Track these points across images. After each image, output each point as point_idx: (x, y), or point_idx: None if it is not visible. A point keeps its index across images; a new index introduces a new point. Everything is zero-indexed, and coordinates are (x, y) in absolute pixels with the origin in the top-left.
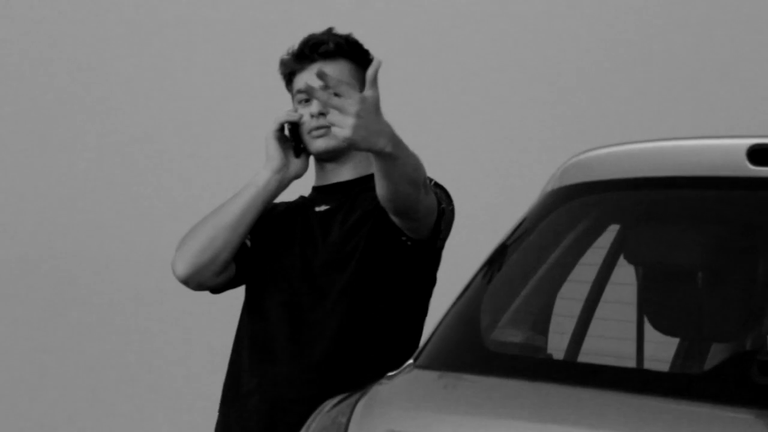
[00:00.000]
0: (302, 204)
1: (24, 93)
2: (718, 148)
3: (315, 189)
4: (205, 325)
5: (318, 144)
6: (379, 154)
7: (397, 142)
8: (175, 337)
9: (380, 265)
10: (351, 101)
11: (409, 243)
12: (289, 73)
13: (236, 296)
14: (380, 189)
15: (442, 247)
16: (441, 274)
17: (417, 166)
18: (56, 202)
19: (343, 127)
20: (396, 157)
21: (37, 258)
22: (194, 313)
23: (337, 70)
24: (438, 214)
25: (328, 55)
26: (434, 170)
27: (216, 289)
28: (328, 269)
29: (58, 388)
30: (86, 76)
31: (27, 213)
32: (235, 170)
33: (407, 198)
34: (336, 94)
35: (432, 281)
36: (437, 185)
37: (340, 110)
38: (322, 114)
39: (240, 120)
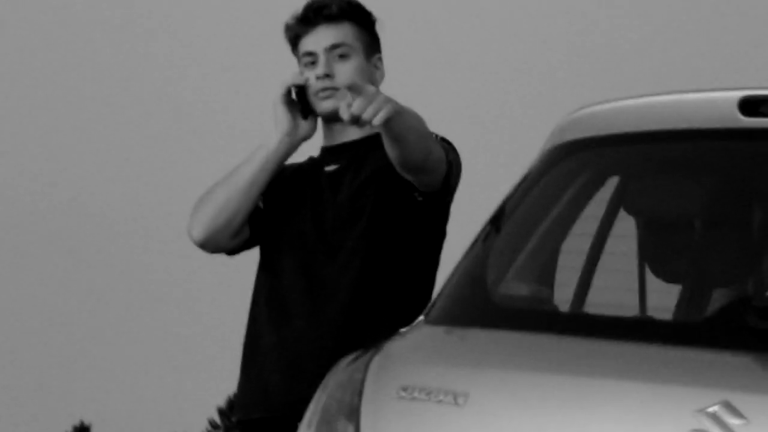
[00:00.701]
0: (312, 164)
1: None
2: (711, 101)
3: (324, 149)
4: (225, 286)
5: (325, 105)
6: (389, 121)
7: (396, 104)
8: (195, 299)
9: (391, 221)
10: (371, 91)
11: (420, 198)
12: (294, 37)
13: (254, 257)
14: (394, 151)
15: (450, 201)
16: (450, 228)
17: (419, 117)
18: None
19: (379, 111)
20: (401, 113)
21: (41, 240)
22: (214, 274)
23: (341, 32)
24: (447, 165)
25: (332, 18)
26: (443, 127)
27: (231, 251)
28: (339, 227)
29: (72, 349)
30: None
31: (29, 199)
32: (242, 137)
33: (421, 150)
34: (341, 56)
35: (442, 235)
36: (443, 139)
37: (369, 101)
38: (327, 76)
39: (252, 85)
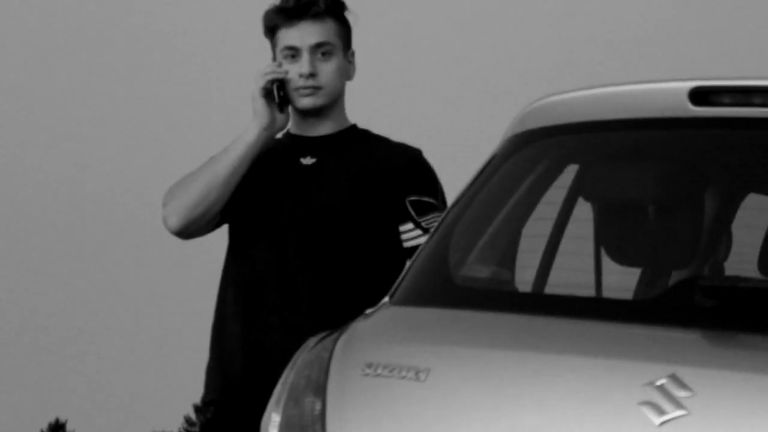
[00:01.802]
0: (283, 152)
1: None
2: (663, 91)
3: (294, 137)
4: (201, 279)
5: (305, 102)
6: None
7: None
8: (167, 285)
9: (365, 211)
10: None
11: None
12: (273, 26)
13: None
14: None
15: None
16: None
17: None
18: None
19: None
20: None
21: (34, 201)
22: (188, 268)
23: (324, 29)
24: None
25: (318, 15)
26: (415, 117)
27: (202, 234)
28: (315, 217)
29: (48, 346)
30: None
31: (27, 152)
32: (219, 124)
33: None
34: (324, 54)
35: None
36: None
37: None
38: (311, 75)
39: (230, 78)
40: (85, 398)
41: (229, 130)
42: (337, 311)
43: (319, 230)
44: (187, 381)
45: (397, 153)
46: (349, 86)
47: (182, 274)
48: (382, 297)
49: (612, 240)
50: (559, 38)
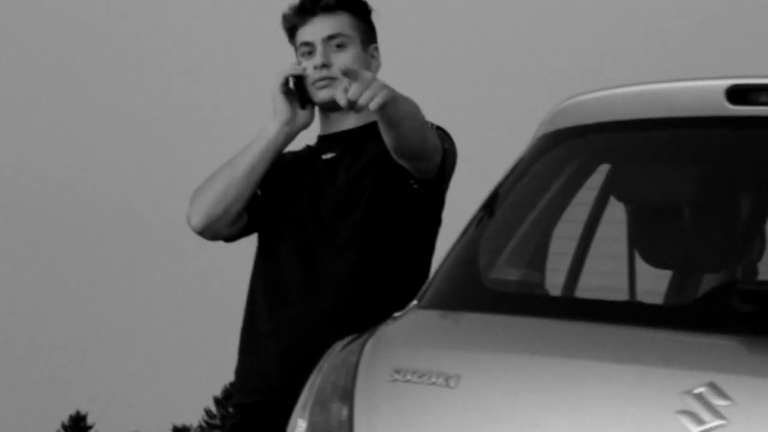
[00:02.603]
0: (309, 153)
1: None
2: (699, 90)
3: (320, 138)
4: (223, 273)
5: (322, 94)
6: (385, 106)
7: (392, 90)
8: (194, 287)
9: (387, 208)
10: (368, 76)
11: (415, 186)
12: (291, 27)
13: (252, 243)
14: (390, 138)
15: (446, 189)
16: (446, 215)
17: (415, 104)
18: (64, 153)
19: (375, 96)
20: (397, 99)
21: (43, 213)
22: (213, 262)
23: (338, 22)
24: (442, 153)
25: (329, 9)
26: (439, 115)
27: (229, 238)
28: (336, 214)
29: (69, 339)
30: (91, 42)
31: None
32: (244, 127)
33: (416, 137)
34: (338, 46)
35: (437, 222)
36: (438, 128)
37: (366, 86)
38: (324, 66)
39: (248, 77)
40: (104, 391)
41: (253, 131)
42: (361, 308)
43: (335, 225)
44: (206, 374)
45: None
46: None
47: (202, 269)
48: (405, 293)
49: (646, 242)
50: (596, 32)
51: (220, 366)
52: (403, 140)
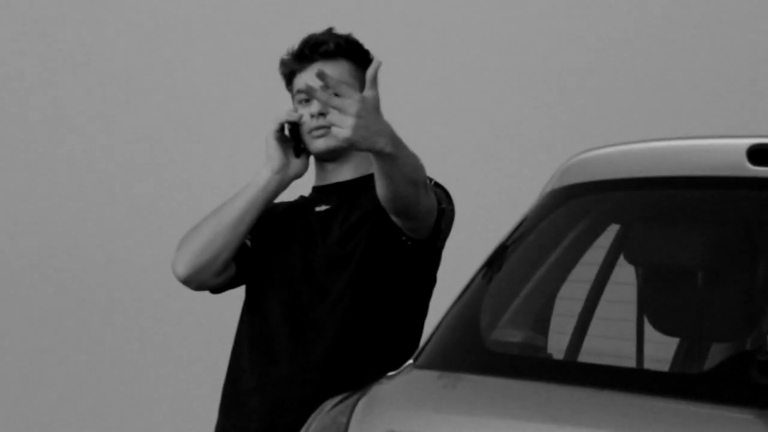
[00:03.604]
0: (302, 204)
1: (25, 92)
2: (718, 148)
3: (315, 189)
4: (205, 326)
5: (318, 144)
6: (379, 154)
7: (396, 141)
8: (174, 338)
9: (380, 264)
10: (351, 101)
11: (409, 243)
12: (289, 73)
13: (237, 296)
14: (380, 189)
15: (442, 247)
16: (441, 274)
17: (417, 166)
18: (57, 202)
19: (343, 127)
20: (396, 156)
21: (38, 257)
22: (194, 313)
23: (337, 70)
24: (438, 213)
25: (328, 55)
26: (434, 170)
27: (216, 289)
28: (328, 269)
29: (59, 388)
30: (86, 76)
31: (28, 212)
32: (235, 170)
33: (407, 197)
34: (336, 94)
35: (432, 281)
36: (437, 185)
37: (340, 110)
38: (322, 114)
39: (240, 120)
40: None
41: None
42: (350, 367)
43: (326, 280)
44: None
45: None
46: None
47: (181, 320)
48: (396, 352)
49: (656, 307)
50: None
51: (198, 426)
52: (394, 194)
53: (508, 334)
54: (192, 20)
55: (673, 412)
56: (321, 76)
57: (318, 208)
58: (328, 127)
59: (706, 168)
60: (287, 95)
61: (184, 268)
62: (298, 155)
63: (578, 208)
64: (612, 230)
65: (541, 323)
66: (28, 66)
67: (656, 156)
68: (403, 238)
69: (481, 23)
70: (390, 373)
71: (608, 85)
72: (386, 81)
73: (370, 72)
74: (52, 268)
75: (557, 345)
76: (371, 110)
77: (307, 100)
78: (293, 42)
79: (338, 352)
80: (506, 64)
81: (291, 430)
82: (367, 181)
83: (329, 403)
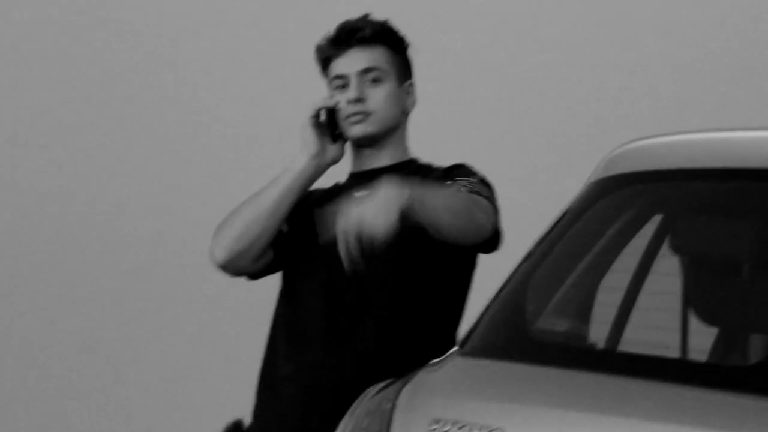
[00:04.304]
0: (340, 190)
1: (33, 87)
2: (764, 140)
3: (352, 175)
4: (241, 311)
5: (355, 130)
6: (409, 212)
7: (413, 192)
8: (211, 321)
9: (420, 251)
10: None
11: None
12: (325, 59)
13: (273, 282)
14: (430, 228)
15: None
16: (483, 260)
17: (446, 197)
18: (70, 196)
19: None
20: (420, 201)
21: (38, 257)
22: (229, 300)
23: (374, 56)
24: (492, 231)
25: (365, 41)
26: (478, 163)
27: (254, 275)
28: (367, 255)
29: (59, 387)
30: (99, 73)
31: (28, 212)
32: (267, 161)
33: (457, 229)
34: (373, 80)
35: (473, 265)
36: (481, 181)
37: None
38: (359, 100)
39: (271, 111)
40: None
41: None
42: (387, 355)
43: (366, 266)
44: (221, 415)
45: (436, 174)
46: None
47: (221, 304)
48: (435, 340)
49: (702, 298)
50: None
51: (236, 407)
52: (443, 232)
53: (553, 323)
54: (198, 15)
55: (716, 404)
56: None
57: (355, 195)
58: (365, 113)
59: (751, 160)
60: (297, 93)
61: (222, 254)
62: (334, 141)
63: (623, 198)
64: (656, 221)
65: (586, 313)
66: (28, 65)
67: (702, 147)
68: None
69: (508, 17)
70: (434, 360)
71: (650, 78)
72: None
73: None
74: (52, 268)
75: (601, 334)
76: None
77: (344, 86)
78: (303, 39)
79: (376, 339)
80: (545, 57)
81: (326, 415)
82: (405, 166)
83: (373, 389)
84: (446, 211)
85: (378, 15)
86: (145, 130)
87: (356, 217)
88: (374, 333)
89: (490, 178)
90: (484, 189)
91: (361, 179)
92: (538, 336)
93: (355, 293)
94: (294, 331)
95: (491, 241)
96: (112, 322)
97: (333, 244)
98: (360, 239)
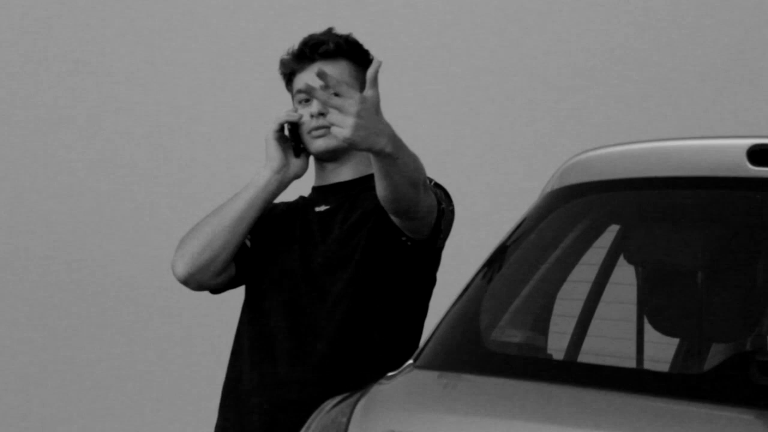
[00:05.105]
0: (302, 204)
1: (25, 92)
2: (718, 149)
3: (315, 189)
4: (205, 325)
5: (318, 144)
6: (379, 154)
7: (397, 142)
8: (174, 338)
9: (380, 264)
10: (351, 101)
11: (409, 243)
12: (289, 73)
13: (238, 295)
14: (380, 189)
15: (442, 247)
16: (441, 274)
17: (417, 166)
18: (56, 201)
19: (343, 127)
20: (396, 157)
21: (36, 257)
22: (195, 313)
23: (337, 70)
24: (438, 213)
25: (328, 55)
26: (434, 171)
27: (216, 290)
28: (328, 269)
29: (58, 388)
30: (86, 76)
31: (27, 211)
32: (235, 170)
33: (407, 198)
34: (336, 94)
35: (432, 281)
36: (437, 185)
37: (340, 110)
38: (321, 114)
39: (240, 120)
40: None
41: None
42: (350, 368)
43: (326, 280)
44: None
45: None
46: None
47: (181, 321)
48: (396, 353)
49: (657, 307)
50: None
51: (198, 425)
52: (394, 195)
53: (508, 334)
54: (191, 20)
55: (672, 413)
56: (321, 75)
57: (318, 209)
58: (327, 127)
59: (706, 168)
60: (286, 95)
61: (183, 268)
62: (297, 155)
63: (578, 208)
64: (612, 231)
65: (541, 323)
66: (27, 65)
67: (656, 156)
68: (403, 238)
69: (481, 23)
70: (390, 374)
71: (608, 86)
72: (386, 81)
73: (370, 72)
74: (52, 268)
75: (557, 345)
76: (371, 110)
77: (307, 100)
78: (293, 42)
79: (338, 353)
80: (506, 64)
81: (290, 430)
82: (366, 181)
83: (329, 404)
84: (410, 170)
85: (344, 23)
86: (140, 134)
87: (341, 103)
88: (336, 347)
89: (452, 187)
90: (440, 192)
91: (324, 193)
92: (494, 347)
93: (317, 307)
94: (258, 346)
95: (429, 241)
96: (107, 325)
97: (294, 260)
98: (334, 105)
